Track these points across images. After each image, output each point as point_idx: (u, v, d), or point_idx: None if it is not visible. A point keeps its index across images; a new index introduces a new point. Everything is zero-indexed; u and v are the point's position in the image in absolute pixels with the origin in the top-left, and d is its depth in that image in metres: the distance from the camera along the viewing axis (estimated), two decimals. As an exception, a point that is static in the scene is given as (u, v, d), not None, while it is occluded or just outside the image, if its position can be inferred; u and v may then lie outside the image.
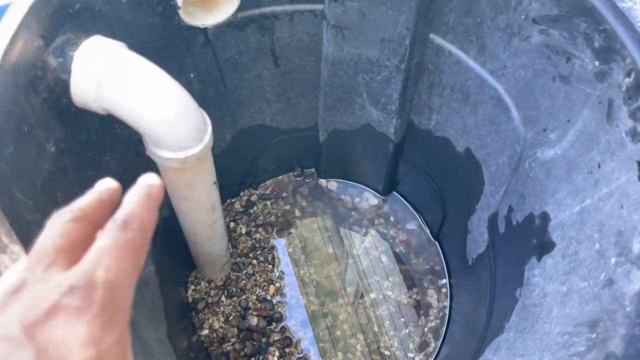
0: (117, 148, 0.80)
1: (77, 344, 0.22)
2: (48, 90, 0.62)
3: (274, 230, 1.27)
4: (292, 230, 1.28)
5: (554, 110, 0.71)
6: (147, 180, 0.30)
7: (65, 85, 0.62)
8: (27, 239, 0.54)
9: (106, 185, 0.30)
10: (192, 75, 0.89)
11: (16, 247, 0.52)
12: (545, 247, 0.75)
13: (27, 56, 0.58)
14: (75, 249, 0.27)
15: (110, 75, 0.61)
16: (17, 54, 0.57)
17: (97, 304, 0.23)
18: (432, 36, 0.85)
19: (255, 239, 1.26)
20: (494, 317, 0.93)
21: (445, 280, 1.22)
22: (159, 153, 0.69)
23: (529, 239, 0.80)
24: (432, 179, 1.16)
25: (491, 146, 0.89)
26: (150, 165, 0.74)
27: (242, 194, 1.31)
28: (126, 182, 0.33)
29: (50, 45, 0.61)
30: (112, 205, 0.30)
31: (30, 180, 0.59)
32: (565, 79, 0.68)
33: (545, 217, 0.76)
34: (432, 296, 1.21)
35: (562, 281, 0.69)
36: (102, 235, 0.26)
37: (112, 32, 0.67)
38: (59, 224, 0.27)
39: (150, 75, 0.64)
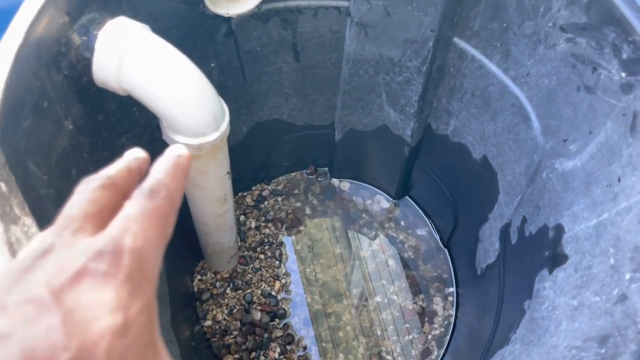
0: (134, 131, 0.80)
1: (104, 309, 0.22)
2: (70, 67, 0.62)
3: (284, 227, 1.27)
4: (302, 227, 1.28)
5: (577, 120, 0.69)
6: (175, 151, 0.30)
7: (87, 64, 0.62)
8: (39, 213, 0.54)
9: (135, 154, 0.30)
10: (212, 65, 0.89)
11: (28, 220, 0.53)
12: (557, 259, 0.74)
13: (51, 32, 0.59)
14: (102, 215, 0.27)
15: (132, 56, 0.61)
16: (42, 29, 0.57)
17: (124, 270, 0.23)
18: (456, 39, 0.84)
19: (264, 233, 1.25)
20: (499, 328, 0.92)
21: (452, 289, 1.21)
22: (175, 138, 0.69)
23: (542, 251, 0.79)
24: (446, 185, 1.15)
25: (508, 155, 0.88)
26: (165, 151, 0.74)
27: (254, 188, 1.31)
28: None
29: (76, 23, 0.61)
30: (140, 174, 0.30)
31: (46, 155, 0.60)
32: (589, 89, 0.66)
33: (559, 230, 0.75)
34: (437, 304, 1.19)
35: (573, 295, 0.68)
36: (129, 202, 0.26)
37: (136, 15, 0.68)
38: (87, 191, 0.27)
39: (172, 58, 0.64)
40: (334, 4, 0.87)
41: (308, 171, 1.34)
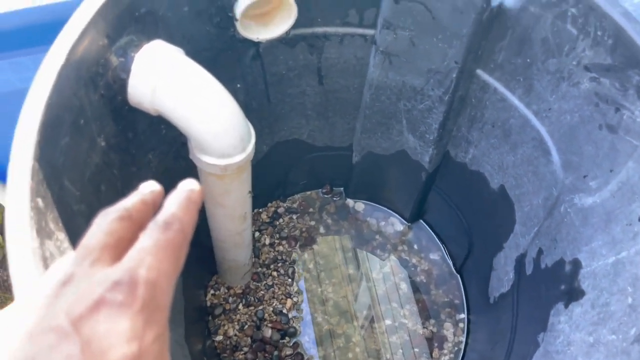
0: (160, 149, 0.82)
1: (120, 339, 0.23)
2: (106, 87, 0.64)
3: (297, 245, 1.28)
4: (315, 246, 1.29)
5: (598, 158, 0.70)
6: (188, 186, 0.31)
7: (122, 84, 0.64)
8: (71, 228, 0.56)
9: (150, 188, 0.32)
10: (238, 86, 0.91)
11: (61, 235, 0.54)
12: (574, 294, 0.75)
13: (91, 53, 0.61)
14: (119, 246, 0.28)
15: (167, 79, 0.63)
16: (82, 50, 0.59)
17: (139, 301, 0.24)
18: (479, 72, 0.85)
19: (278, 251, 1.27)
20: (512, 359, 0.92)
21: (463, 315, 1.21)
22: (202, 158, 0.71)
23: (558, 284, 0.79)
24: (462, 212, 1.16)
25: (527, 186, 0.89)
26: (189, 168, 0.76)
27: (269, 205, 1.33)
28: (165, 182, 0.35)
29: (114, 45, 0.63)
30: (155, 207, 0.32)
31: (80, 171, 0.62)
32: (612, 129, 0.67)
33: (576, 264, 0.75)
34: (448, 329, 1.19)
35: (589, 331, 0.68)
36: (144, 235, 0.28)
37: (170, 37, 0.70)
38: (105, 222, 0.29)
39: (205, 83, 0.66)
40: (360, 32, 0.89)
41: (324, 190, 1.35)
